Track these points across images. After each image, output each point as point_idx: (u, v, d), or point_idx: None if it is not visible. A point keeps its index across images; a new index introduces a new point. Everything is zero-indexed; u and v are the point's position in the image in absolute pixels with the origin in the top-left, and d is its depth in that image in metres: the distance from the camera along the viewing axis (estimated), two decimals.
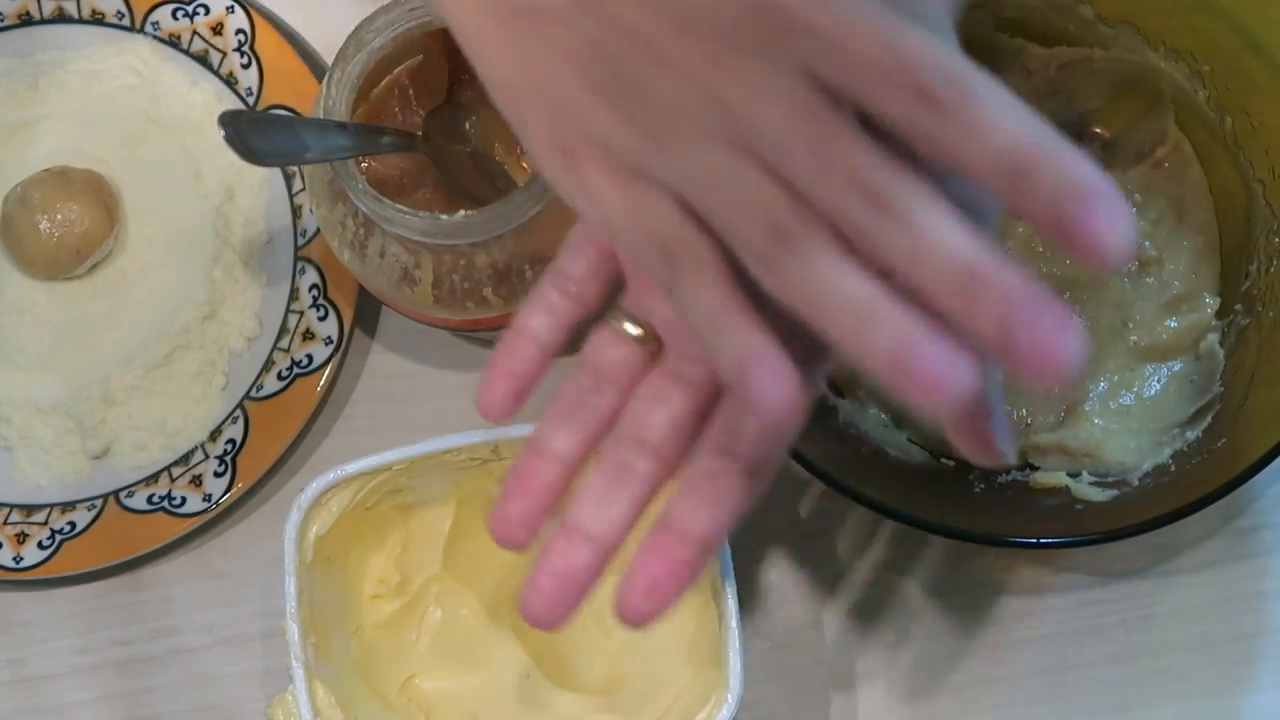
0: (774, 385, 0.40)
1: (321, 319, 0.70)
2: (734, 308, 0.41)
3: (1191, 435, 0.66)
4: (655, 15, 0.40)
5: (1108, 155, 0.71)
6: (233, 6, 0.73)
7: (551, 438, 0.47)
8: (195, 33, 0.74)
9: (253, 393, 0.70)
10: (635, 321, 0.47)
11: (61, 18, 0.75)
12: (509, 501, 0.47)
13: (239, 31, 0.73)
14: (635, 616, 0.44)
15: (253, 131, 0.59)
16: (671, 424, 0.46)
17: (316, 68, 0.74)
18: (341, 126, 0.60)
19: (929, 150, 0.38)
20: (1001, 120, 0.37)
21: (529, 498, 0.47)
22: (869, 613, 0.69)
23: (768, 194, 0.39)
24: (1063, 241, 0.37)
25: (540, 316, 0.48)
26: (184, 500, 0.69)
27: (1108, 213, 0.36)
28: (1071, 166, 0.36)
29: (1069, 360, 0.37)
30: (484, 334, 0.71)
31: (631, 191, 0.42)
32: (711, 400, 0.46)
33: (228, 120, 0.58)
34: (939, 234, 0.38)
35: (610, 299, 0.49)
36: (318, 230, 0.71)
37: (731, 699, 0.61)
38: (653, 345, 0.47)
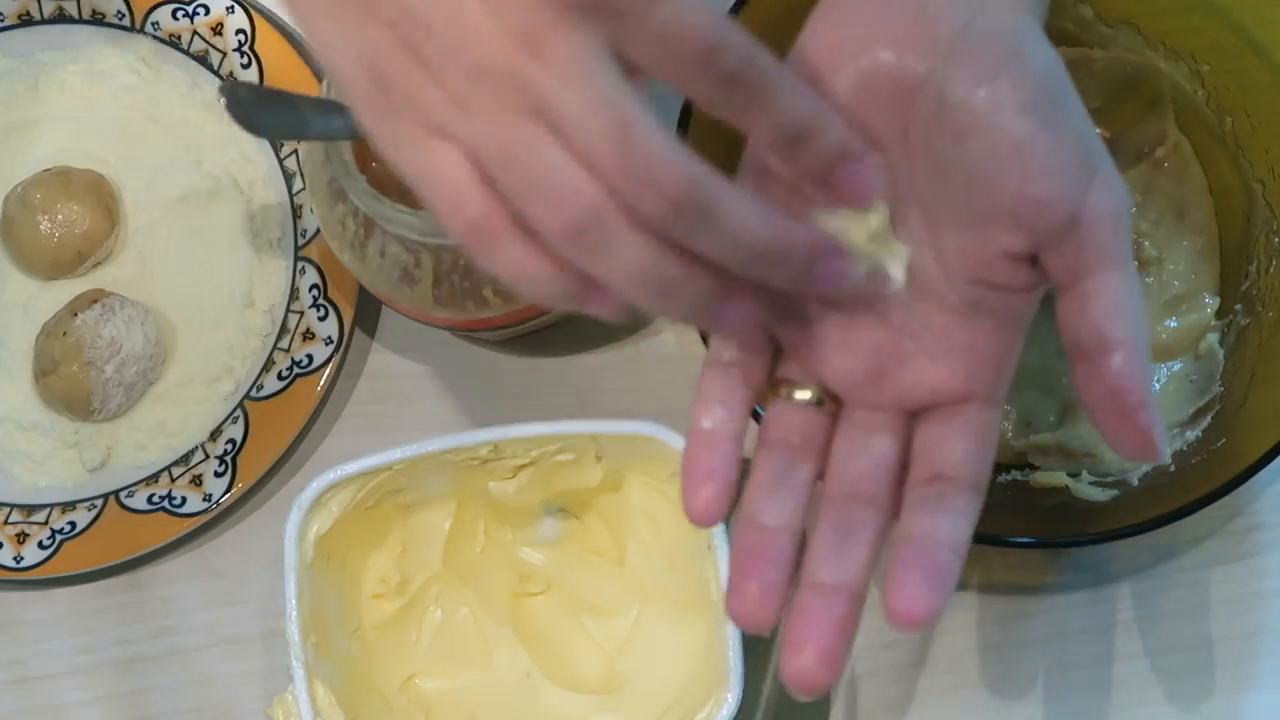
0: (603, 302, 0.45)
1: (321, 319, 0.70)
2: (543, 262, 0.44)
3: (1191, 435, 0.66)
4: None
5: None
6: (233, 6, 0.73)
7: (764, 514, 0.48)
8: (195, 33, 0.74)
9: (253, 393, 0.70)
10: (804, 386, 0.50)
11: (61, 18, 0.75)
12: (744, 580, 0.48)
13: (239, 31, 0.73)
14: (907, 619, 0.47)
15: (255, 103, 0.59)
16: (879, 470, 0.49)
17: (317, 68, 0.74)
18: (342, 109, 0.60)
19: (729, 118, 0.44)
20: (788, 99, 0.44)
21: (766, 571, 0.48)
22: (869, 613, 0.68)
23: (568, 183, 0.42)
24: (833, 192, 0.47)
25: (714, 412, 0.49)
26: (184, 500, 0.69)
27: (864, 169, 0.46)
28: (838, 137, 0.46)
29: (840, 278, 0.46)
30: (484, 334, 0.71)
31: (434, 154, 0.43)
32: (907, 436, 0.49)
33: (229, 90, 0.58)
34: (736, 223, 0.43)
35: (772, 367, 0.51)
36: (318, 230, 0.71)
37: (731, 699, 0.61)
38: (830, 404, 0.50)
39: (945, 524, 0.47)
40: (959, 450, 0.48)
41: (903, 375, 0.49)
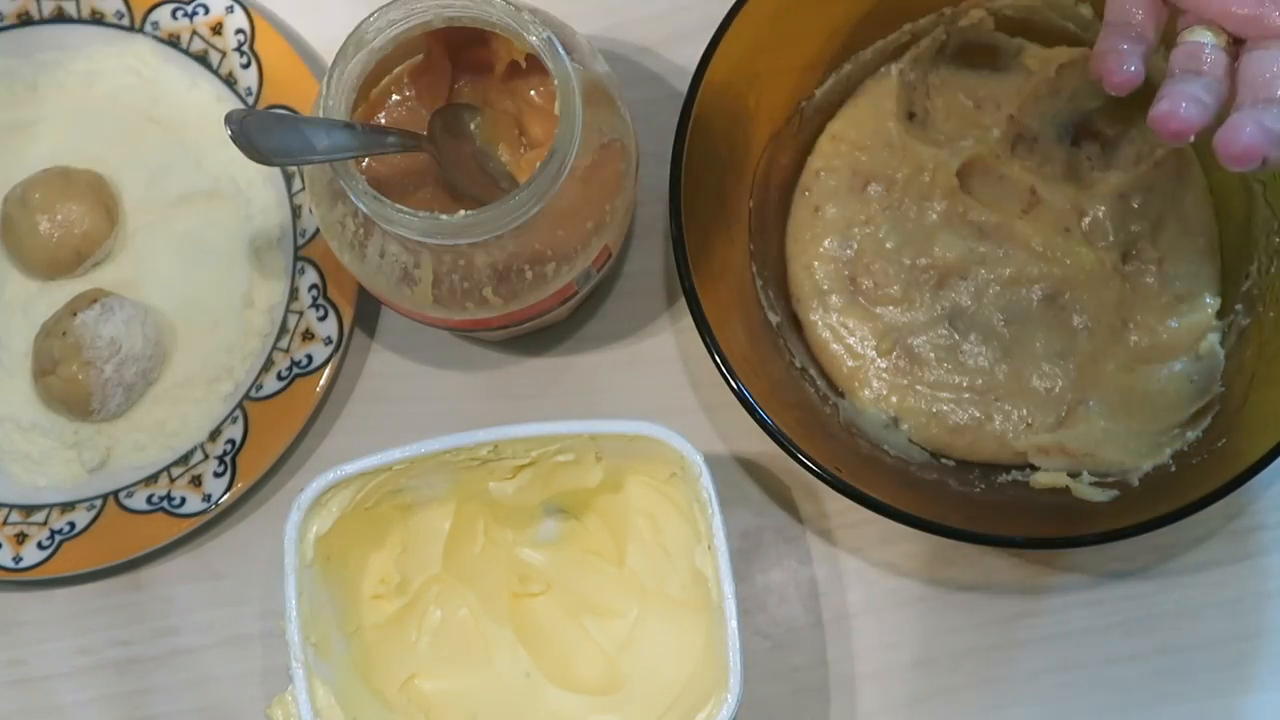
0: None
1: (321, 319, 0.70)
2: None
3: (1191, 435, 0.66)
4: None
5: (1108, 155, 0.71)
6: (232, 6, 0.73)
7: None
8: (195, 33, 0.74)
9: (252, 393, 0.70)
10: (1208, 27, 0.55)
11: (61, 18, 0.75)
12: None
13: (238, 31, 0.73)
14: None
15: (259, 131, 0.59)
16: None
17: (316, 68, 0.74)
18: (348, 126, 0.60)
19: None
20: None
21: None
22: (869, 613, 0.69)
23: None
24: None
25: (1125, 58, 0.56)
26: (184, 500, 0.69)
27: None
28: None
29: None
30: (484, 334, 0.71)
31: None
32: None
33: (234, 119, 0.58)
34: None
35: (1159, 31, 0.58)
36: (317, 230, 0.71)
37: (731, 699, 0.61)
38: (1229, 45, 0.55)
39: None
40: None
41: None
